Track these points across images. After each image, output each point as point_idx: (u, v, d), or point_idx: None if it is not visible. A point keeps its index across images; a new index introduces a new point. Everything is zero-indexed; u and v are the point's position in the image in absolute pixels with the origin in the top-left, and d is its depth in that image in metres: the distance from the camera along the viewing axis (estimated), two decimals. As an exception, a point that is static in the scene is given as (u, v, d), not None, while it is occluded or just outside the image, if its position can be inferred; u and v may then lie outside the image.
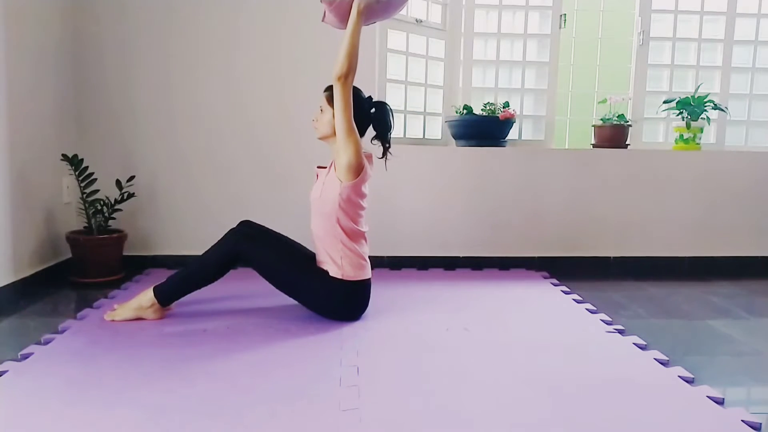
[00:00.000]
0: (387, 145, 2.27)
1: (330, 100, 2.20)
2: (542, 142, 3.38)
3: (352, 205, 2.18)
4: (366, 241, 2.27)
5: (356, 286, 2.20)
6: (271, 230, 2.33)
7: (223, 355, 1.87)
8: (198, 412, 1.49)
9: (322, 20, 2.28)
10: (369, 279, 2.25)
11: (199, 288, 2.24)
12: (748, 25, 3.41)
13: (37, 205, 2.68)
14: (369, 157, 2.25)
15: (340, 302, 2.21)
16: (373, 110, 2.26)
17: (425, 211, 3.18)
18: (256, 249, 2.20)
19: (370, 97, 2.29)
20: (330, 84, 2.20)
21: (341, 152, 2.13)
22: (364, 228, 2.25)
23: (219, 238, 2.24)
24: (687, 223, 3.28)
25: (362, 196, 2.21)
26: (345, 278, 2.17)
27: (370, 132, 2.31)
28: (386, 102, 2.33)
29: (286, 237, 2.36)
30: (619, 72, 3.56)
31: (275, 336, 2.06)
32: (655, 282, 3.03)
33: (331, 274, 2.18)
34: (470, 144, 3.20)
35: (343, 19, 2.17)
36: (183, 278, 2.23)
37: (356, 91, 2.22)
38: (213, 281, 2.23)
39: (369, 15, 2.18)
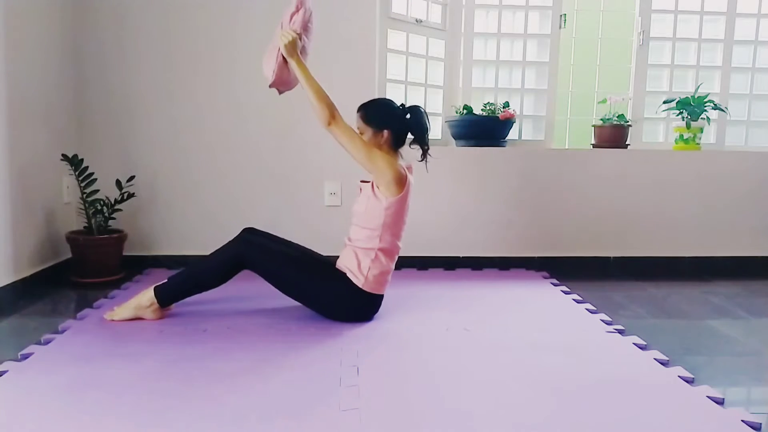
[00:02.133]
0: (426, 148, 2.25)
1: (364, 119, 2.20)
2: (542, 142, 3.38)
3: (397, 219, 2.17)
4: (395, 259, 2.25)
5: (372, 298, 2.21)
6: (276, 236, 2.32)
7: (223, 355, 1.87)
8: (198, 412, 1.49)
9: (270, 86, 2.26)
10: (383, 294, 2.26)
11: (201, 292, 2.24)
12: (748, 25, 3.41)
13: (37, 205, 2.68)
14: (410, 168, 2.24)
15: (350, 308, 2.21)
16: (408, 116, 2.24)
17: (425, 211, 3.17)
18: (262, 255, 2.18)
19: (402, 105, 2.27)
20: (361, 104, 2.23)
21: (377, 175, 2.13)
22: (400, 245, 2.24)
23: (223, 244, 2.22)
24: (687, 223, 3.28)
25: (407, 209, 2.20)
26: (363, 288, 2.17)
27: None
28: (419, 105, 2.29)
29: (291, 242, 2.34)
30: (619, 72, 3.56)
31: (275, 336, 2.06)
32: (655, 282, 3.03)
33: (350, 278, 2.17)
34: (470, 144, 3.20)
35: (288, 76, 2.20)
36: (185, 281, 2.22)
37: (388, 103, 2.25)
38: (215, 287, 2.23)
39: (301, 51, 2.18)
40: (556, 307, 2.52)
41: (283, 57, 2.17)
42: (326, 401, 1.55)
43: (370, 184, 2.21)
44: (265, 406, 1.53)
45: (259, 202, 3.08)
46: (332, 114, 2.12)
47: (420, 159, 2.26)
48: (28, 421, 1.44)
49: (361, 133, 2.21)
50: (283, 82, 2.25)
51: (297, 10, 2.19)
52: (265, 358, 1.86)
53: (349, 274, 2.18)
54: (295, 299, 2.26)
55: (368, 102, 2.27)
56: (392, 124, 2.18)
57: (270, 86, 2.25)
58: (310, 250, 2.36)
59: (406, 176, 2.16)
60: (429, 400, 1.58)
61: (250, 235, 2.25)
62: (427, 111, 2.29)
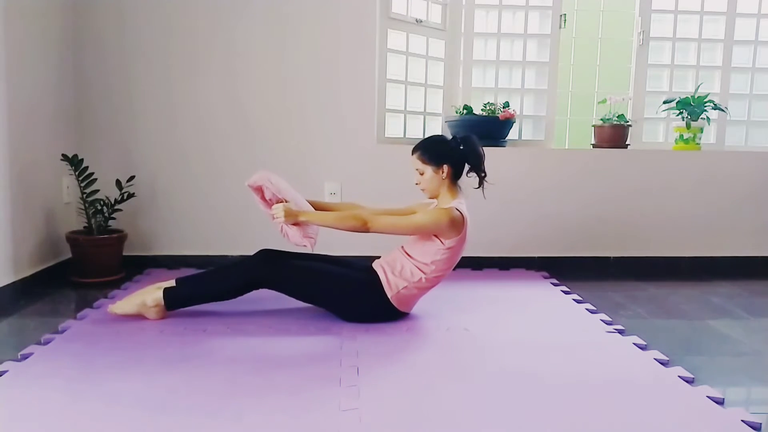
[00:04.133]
0: (483, 175, 2.25)
1: (423, 159, 2.21)
2: (542, 142, 3.38)
3: (454, 255, 2.18)
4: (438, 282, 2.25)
5: (391, 308, 2.21)
6: (291, 252, 2.29)
7: (223, 355, 1.87)
8: (198, 412, 1.49)
9: (313, 248, 2.26)
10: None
11: (209, 303, 2.26)
12: (748, 25, 3.40)
13: (37, 205, 2.68)
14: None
15: (372, 313, 2.21)
16: (461, 147, 2.23)
17: (425, 211, 3.18)
18: (284, 273, 2.18)
19: (455, 137, 2.28)
20: (416, 144, 2.25)
21: (435, 233, 2.14)
22: (444, 276, 2.24)
23: (241, 260, 2.23)
24: (687, 222, 3.28)
25: (465, 244, 2.20)
26: (391, 301, 2.18)
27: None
28: (471, 135, 2.30)
29: (306, 254, 2.31)
30: (619, 72, 3.56)
31: (275, 336, 2.06)
32: (655, 282, 3.03)
33: (383, 284, 2.17)
34: (470, 144, 3.19)
35: (313, 229, 2.23)
36: (198, 293, 2.23)
37: (442, 139, 2.29)
38: (227, 300, 2.24)
39: (296, 203, 2.21)
40: (556, 307, 2.52)
41: (294, 224, 2.17)
42: (326, 401, 1.55)
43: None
44: (265, 405, 1.53)
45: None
46: (364, 223, 2.13)
47: (477, 186, 2.25)
48: (28, 421, 1.44)
49: (421, 174, 2.22)
50: (314, 235, 2.25)
51: (261, 193, 2.21)
52: (265, 358, 1.86)
53: (382, 276, 2.18)
54: (319, 306, 2.29)
55: (422, 141, 2.28)
56: (450, 158, 2.20)
57: (313, 247, 2.24)
58: (327, 256, 2.36)
59: (463, 217, 2.16)
60: (428, 401, 1.58)
61: (269, 255, 2.22)
62: (478, 139, 2.28)
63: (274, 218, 2.16)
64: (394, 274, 2.18)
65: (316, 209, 2.27)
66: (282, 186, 2.22)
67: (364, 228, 2.13)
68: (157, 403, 1.52)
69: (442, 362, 1.86)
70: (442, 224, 2.11)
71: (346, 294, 2.20)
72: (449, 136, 2.33)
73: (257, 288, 2.21)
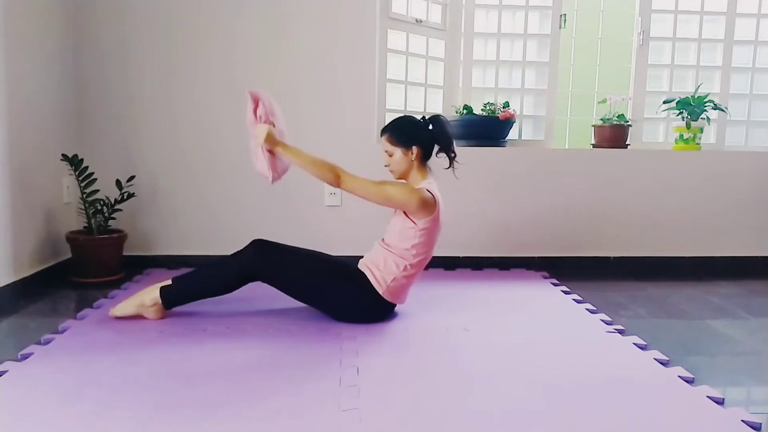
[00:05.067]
0: (453, 155, 2.25)
1: (391, 141, 2.21)
2: (542, 142, 3.38)
3: (431, 238, 2.18)
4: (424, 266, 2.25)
5: (385, 304, 2.21)
6: (285, 245, 2.28)
7: (223, 355, 1.87)
8: (198, 412, 1.49)
9: (272, 183, 2.28)
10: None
11: (207, 298, 2.26)
12: (748, 25, 3.40)
13: (37, 205, 2.68)
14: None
15: (365, 312, 2.21)
16: (431, 127, 2.24)
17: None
18: (277, 268, 2.18)
19: (424, 117, 2.28)
20: (385, 126, 2.25)
21: (402, 208, 2.15)
22: (428, 259, 2.24)
23: (233, 253, 2.22)
24: (687, 223, 3.28)
25: (440, 226, 2.20)
26: (383, 296, 2.18)
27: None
28: (440, 114, 2.31)
29: (300, 248, 2.30)
30: (619, 72, 3.55)
31: (275, 336, 2.06)
32: (655, 282, 3.03)
33: (371, 282, 2.17)
34: (470, 144, 3.20)
35: (283, 163, 2.24)
36: (193, 289, 2.22)
37: (410, 119, 2.27)
38: (223, 295, 2.24)
39: (279, 136, 2.22)
40: (556, 307, 2.52)
41: (269, 150, 2.20)
42: (326, 401, 1.55)
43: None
44: (265, 406, 1.53)
45: (259, 202, 3.08)
46: (336, 175, 2.14)
47: (447, 167, 2.26)
48: (28, 420, 1.44)
49: (391, 156, 2.22)
50: (281, 172, 2.27)
51: (256, 105, 2.22)
52: (265, 358, 1.86)
53: (370, 276, 2.18)
54: (310, 305, 2.27)
55: (391, 122, 2.28)
56: (419, 139, 2.19)
57: (272, 183, 2.26)
58: (321, 253, 2.34)
59: (434, 197, 2.15)
60: (429, 401, 1.58)
61: (261, 247, 2.20)
62: (447, 119, 2.29)
63: (254, 137, 2.19)
64: (380, 269, 2.17)
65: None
66: (278, 113, 2.25)
67: (336, 180, 2.14)
68: (157, 404, 1.52)
69: (441, 362, 1.86)
70: (411, 202, 2.11)
71: (339, 294, 2.20)
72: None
73: (251, 281, 2.19)
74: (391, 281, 2.17)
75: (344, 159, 3.16)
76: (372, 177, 2.21)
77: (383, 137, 2.24)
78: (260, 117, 2.21)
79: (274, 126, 2.21)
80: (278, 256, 2.21)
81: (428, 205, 2.13)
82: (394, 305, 2.27)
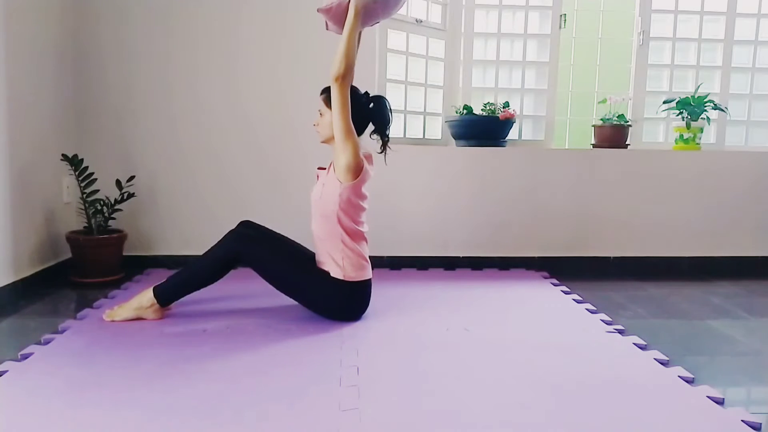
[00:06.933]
0: (386, 139, 2.26)
1: (327, 102, 2.19)
2: (542, 142, 3.38)
3: (352, 205, 2.17)
4: (366, 241, 2.26)
5: (357, 286, 2.20)
6: (272, 231, 2.34)
7: (223, 355, 1.87)
8: (198, 412, 1.49)
9: (327, 29, 2.28)
10: (370, 279, 2.25)
11: (199, 288, 2.24)
12: (748, 25, 3.41)
13: (37, 205, 2.68)
14: (369, 157, 2.24)
15: (341, 303, 2.21)
16: (371, 105, 2.25)
17: (425, 212, 3.18)
18: (257, 250, 2.20)
19: (366, 93, 2.28)
20: (326, 86, 2.20)
21: (340, 154, 2.13)
22: (365, 228, 2.25)
23: (219, 239, 2.24)
24: (687, 223, 3.28)
25: (362, 197, 2.21)
26: (346, 279, 2.17)
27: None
28: (383, 96, 2.31)
29: (286, 237, 2.36)
30: (619, 72, 3.56)
31: (275, 336, 2.06)
32: (655, 282, 3.03)
33: (332, 274, 2.18)
34: (470, 144, 3.20)
35: (342, 23, 2.16)
36: (183, 279, 2.23)
37: (353, 89, 2.18)
38: (213, 282, 2.23)
39: (368, 15, 2.16)
40: (556, 307, 2.52)
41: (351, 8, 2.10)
42: (326, 401, 1.55)
43: (326, 170, 2.24)
44: (264, 405, 1.53)
45: (259, 202, 3.08)
46: (346, 74, 2.08)
47: (380, 151, 2.27)
48: (28, 421, 1.44)
49: (321, 116, 2.23)
50: (336, 20, 2.19)
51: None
52: (265, 358, 1.85)
53: (327, 267, 2.19)
54: (289, 296, 2.27)
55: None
56: (352, 110, 2.14)
57: (319, 10, 2.17)
58: (301, 246, 2.36)
59: (363, 166, 2.16)
60: (429, 400, 1.58)
61: (244, 229, 2.27)
62: (390, 104, 2.28)
63: None
64: (332, 260, 2.17)
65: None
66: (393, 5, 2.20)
67: (343, 74, 2.06)
68: (157, 403, 1.52)
69: (442, 362, 1.86)
70: (351, 157, 2.09)
71: (316, 293, 2.20)
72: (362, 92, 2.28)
73: (235, 263, 2.20)
74: (344, 260, 2.15)
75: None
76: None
77: (321, 96, 2.24)
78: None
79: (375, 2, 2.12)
80: (259, 235, 2.24)
81: (357, 170, 2.13)
82: (365, 287, 2.23)
